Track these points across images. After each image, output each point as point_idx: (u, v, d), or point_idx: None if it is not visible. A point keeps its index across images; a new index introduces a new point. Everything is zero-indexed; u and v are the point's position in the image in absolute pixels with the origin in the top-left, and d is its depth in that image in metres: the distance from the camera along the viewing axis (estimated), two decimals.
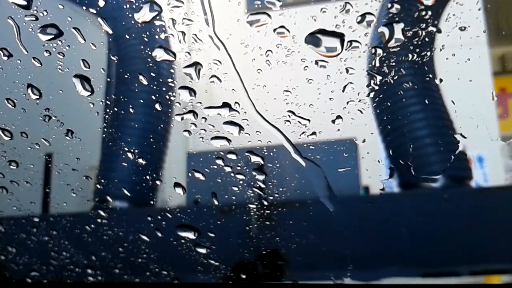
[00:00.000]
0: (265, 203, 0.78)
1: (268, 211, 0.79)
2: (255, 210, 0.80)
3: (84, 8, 0.78)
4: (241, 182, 0.74)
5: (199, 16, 0.63)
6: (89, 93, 0.72)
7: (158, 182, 1.07)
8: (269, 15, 0.62)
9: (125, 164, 1.05)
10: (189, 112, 0.69)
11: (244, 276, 0.79)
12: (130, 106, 1.06)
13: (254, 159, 0.71)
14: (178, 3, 0.65)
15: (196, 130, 0.71)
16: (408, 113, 0.95)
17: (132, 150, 1.04)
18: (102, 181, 1.08)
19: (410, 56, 0.78)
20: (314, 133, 0.68)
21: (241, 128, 0.67)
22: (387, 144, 0.93)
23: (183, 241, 0.78)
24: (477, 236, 0.87)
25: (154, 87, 0.88)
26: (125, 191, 1.02)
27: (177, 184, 0.73)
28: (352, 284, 0.71)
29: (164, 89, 0.92)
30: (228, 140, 0.69)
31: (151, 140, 1.11)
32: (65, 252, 0.91)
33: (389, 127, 0.92)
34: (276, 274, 0.82)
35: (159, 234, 0.81)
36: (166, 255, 0.88)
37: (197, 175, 0.74)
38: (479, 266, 0.85)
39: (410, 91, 0.91)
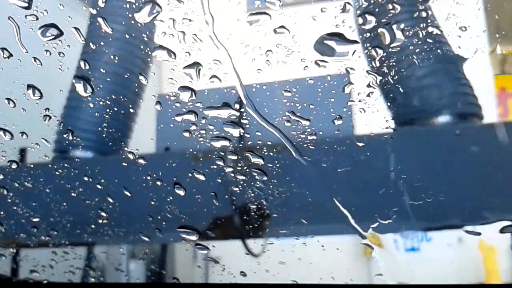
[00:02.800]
0: (243, 147, 0.72)
1: (248, 157, 0.72)
2: (233, 156, 0.74)
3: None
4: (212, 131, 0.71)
5: (199, 16, 0.63)
6: (90, 93, 0.72)
7: (127, 132, 1.01)
8: (269, 15, 0.62)
9: (91, 112, 0.98)
10: (189, 112, 0.69)
11: (221, 235, 0.76)
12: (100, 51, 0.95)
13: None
14: (178, 3, 0.65)
15: (196, 130, 0.71)
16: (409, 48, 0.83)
17: (98, 97, 0.95)
18: (65, 129, 0.98)
19: None
20: (314, 133, 0.68)
21: (241, 128, 0.67)
22: (388, 85, 0.81)
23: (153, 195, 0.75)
24: (494, 179, 0.75)
25: (126, 35, 0.82)
26: (90, 140, 0.97)
27: (177, 184, 0.73)
28: (352, 284, 0.71)
29: (138, 38, 0.89)
30: (229, 140, 0.69)
31: (120, 86, 1.00)
32: (21, 207, 0.87)
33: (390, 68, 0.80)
34: (258, 230, 0.77)
35: (128, 185, 0.78)
36: (133, 208, 0.83)
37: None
38: (494, 214, 0.72)
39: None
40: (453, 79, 0.86)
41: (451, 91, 0.86)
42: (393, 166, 0.73)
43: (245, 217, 0.78)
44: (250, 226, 0.77)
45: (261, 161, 0.70)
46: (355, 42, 0.60)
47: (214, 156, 0.75)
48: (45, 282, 0.77)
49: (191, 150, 0.77)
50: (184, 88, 0.67)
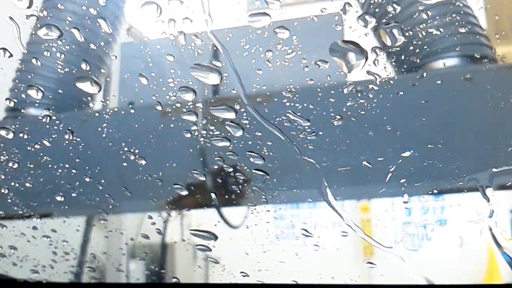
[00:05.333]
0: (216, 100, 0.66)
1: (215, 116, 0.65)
2: (203, 110, 0.67)
3: None
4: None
5: (199, 16, 0.63)
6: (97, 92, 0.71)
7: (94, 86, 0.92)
8: (269, 15, 0.62)
9: (49, 67, 0.87)
10: (189, 112, 0.69)
11: (194, 199, 0.70)
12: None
13: None
14: (178, 3, 0.65)
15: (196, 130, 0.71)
16: None
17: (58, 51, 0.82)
18: (19, 85, 0.87)
19: None
20: (314, 134, 0.68)
21: (241, 128, 0.67)
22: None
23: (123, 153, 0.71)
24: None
25: None
26: (47, 97, 0.88)
27: (176, 184, 0.73)
28: (352, 284, 0.71)
29: None
30: (229, 140, 0.69)
31: (85, 38, 0.85)
32: None
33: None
34: (235, 196, 0.71)
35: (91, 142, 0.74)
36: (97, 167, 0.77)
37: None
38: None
39: None
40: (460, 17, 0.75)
41: (459, 30, 0.75)
42: (395, 116, 0.67)
43: (220, 182, 0.70)
44: (226, 193, 0.71)
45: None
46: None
47: (184, 111, 0.68)
48: (45, 282, 0.77)
49: (158, 104, 0.70)
50: (185, 88, 0.67)
